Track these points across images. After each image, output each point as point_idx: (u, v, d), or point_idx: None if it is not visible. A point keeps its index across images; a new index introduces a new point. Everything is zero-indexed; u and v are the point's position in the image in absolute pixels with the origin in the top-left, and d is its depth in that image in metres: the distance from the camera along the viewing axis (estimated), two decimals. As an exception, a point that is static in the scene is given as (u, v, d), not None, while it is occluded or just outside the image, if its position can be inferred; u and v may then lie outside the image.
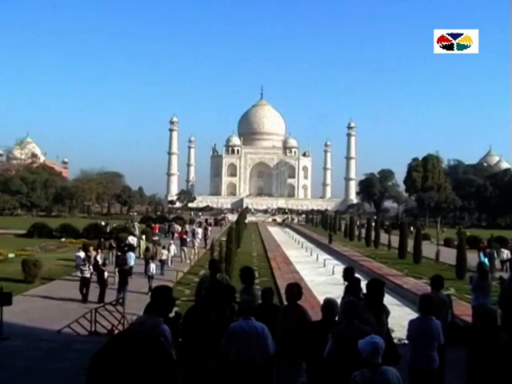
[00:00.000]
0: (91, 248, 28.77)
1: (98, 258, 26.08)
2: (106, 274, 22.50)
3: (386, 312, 8.01)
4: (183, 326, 7.58)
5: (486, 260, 31.28)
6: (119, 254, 26.80)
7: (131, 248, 30.34)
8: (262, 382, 7.37)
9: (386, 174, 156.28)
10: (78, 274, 23.82)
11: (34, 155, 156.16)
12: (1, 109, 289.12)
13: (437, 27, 16.85)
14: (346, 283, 9.70)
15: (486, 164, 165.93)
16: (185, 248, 37.43)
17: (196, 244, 40.32)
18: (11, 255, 33.32)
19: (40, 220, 64.74)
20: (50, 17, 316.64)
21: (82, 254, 27.12)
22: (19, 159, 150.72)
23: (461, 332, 12.32)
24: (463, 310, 16.09)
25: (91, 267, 22.96)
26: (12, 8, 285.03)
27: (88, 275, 22.23)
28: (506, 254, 34.64)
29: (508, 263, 33.91)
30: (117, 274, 23.82)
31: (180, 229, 53.64)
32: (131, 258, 27.11)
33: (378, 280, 8.62)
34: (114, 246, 33.57)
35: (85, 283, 21.95)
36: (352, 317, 6.87)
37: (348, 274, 9.98)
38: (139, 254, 34.58)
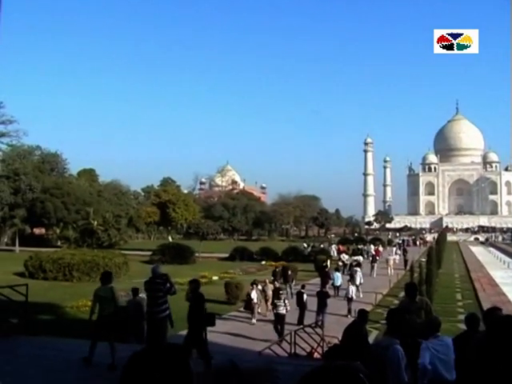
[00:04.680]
0: (267, 280, 25.13)
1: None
2: (305, 296, 22.26)
3: None
4: None
5: None
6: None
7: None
8: None
9: None
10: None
11: (233, 182, 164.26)
12: (204, 140, 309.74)
13: (437, 27, 17.09)
14: None
15: None
16: (375, 265, 40.10)
17: (391, 262, 41.06)
18: (215, 278, 34.82)
19: (241, 244, 67.54)
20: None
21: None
22: (220, 186, 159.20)
23: None
24: None
25: (287, 303, 20.15)
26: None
27: (283, 311, 19.59)
28: None
29: None
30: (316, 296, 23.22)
31: (375, 249, 53.77)
32: (338, 277, 29.11)
33: None
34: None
35: (279, 320, 19.46)
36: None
37: None
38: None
